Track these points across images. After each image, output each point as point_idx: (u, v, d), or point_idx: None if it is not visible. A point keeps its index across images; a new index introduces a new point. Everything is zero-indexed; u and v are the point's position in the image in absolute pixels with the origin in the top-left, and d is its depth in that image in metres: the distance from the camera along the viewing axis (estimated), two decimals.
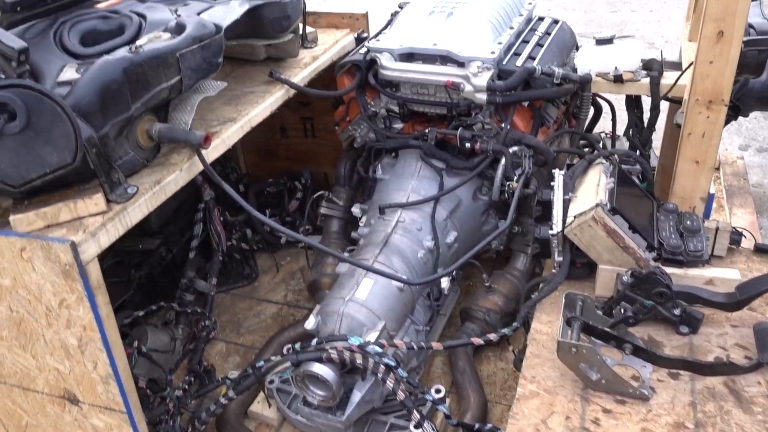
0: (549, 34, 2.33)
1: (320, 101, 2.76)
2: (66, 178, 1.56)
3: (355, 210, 2.41)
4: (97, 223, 1.52)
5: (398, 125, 2.36)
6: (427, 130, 2.19)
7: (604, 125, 2.74)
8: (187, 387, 2.15)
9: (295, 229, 2.93)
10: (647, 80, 2.09)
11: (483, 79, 2.04)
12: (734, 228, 1.94)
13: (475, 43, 2.13)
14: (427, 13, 2.24)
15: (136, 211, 1.61)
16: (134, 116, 1.63)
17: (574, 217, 1.82)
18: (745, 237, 1.95)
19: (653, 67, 2.09)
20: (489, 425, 1.89)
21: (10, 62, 1.52)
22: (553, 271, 1.95)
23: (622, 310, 1.67)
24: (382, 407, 1.96)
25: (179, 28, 1.74)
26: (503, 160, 2.10)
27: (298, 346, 1.83)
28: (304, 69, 2.35)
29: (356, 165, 2.60)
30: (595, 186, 1.90)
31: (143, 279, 2.50)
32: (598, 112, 2.62)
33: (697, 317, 1.72)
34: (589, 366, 1.58)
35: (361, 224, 2.31)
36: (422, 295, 2.13)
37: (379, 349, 1.77)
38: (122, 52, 1.59)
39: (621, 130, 2.55)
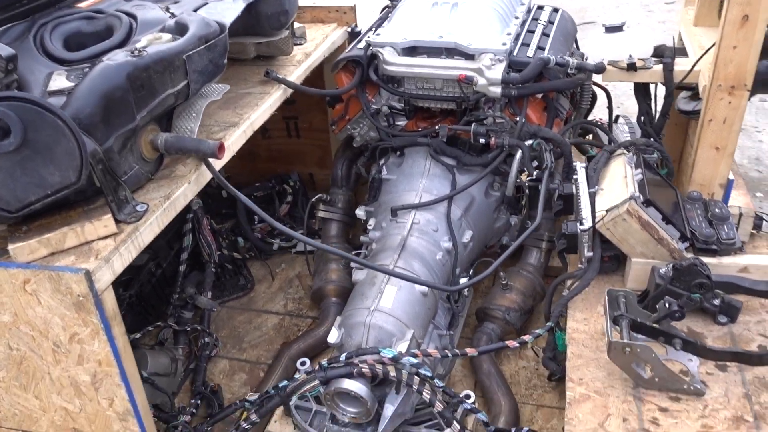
0: (552, 23, 2.27)
1: (305, 99, 2.62)
2: (67, 198, 1.39)
3: (360, 212, 2.30)
4: (110, 247, 1.37)
5: (401, 122, 2.25)
6: (437, 127, 2.10)
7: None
8: (195, 411, 2.00)
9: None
10: (659, 67, 2.05)
11: (497, 72, 1.95)
12: (756, 213, 1.93)
13: (483, 34, 2.05)
14: (430, 5, 2.14)
15: (147, 231, 1.46)
16: (139, 127, 1.48)
17: (606, 211, 1.76)
18: (767, 221, 1.93)
19: (665, 54, 2.05)
20: (525, 429, 1.82)
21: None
22: (580, 266, 1.89)
23: (667, 305, 1.62)
24: (412, 417, 1.86)
25: (180, 28, 1.59)
26: (518, 155, 2.02)
27: (325, 362, 1.71)
28: (298, 67, 2.22)
29: (353, 165, 2.49)
30: (622, 178, 1.84)
31: (133, 298, 2.32)
32: (593, 99, 2.58)
33: (737, 306, 1.69)
34: (642, 364, 1.52)
35: (369, 227, 2.20)
36: (442, 298, 2.04)
37: (414, 360, 1.67)
38: (123, 56, 1.43)
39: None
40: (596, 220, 1.78)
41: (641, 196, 1.74)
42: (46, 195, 1.34)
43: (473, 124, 2.04)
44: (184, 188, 1.59)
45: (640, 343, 1.50)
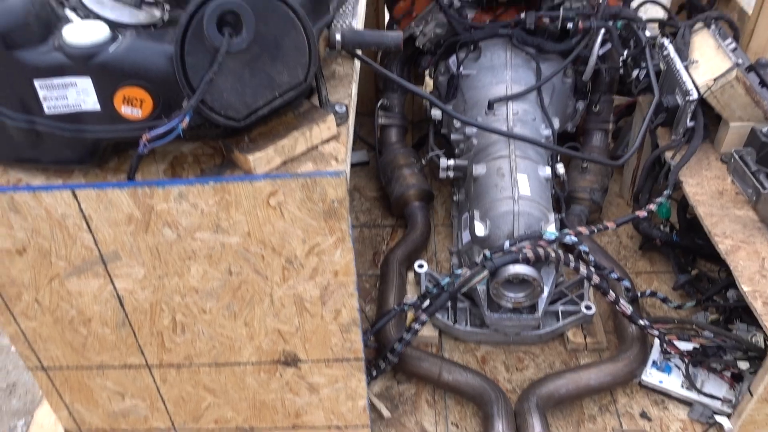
0: None
1: None
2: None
3: (436, 113, 2.28)
4: (341, 149, 1.28)
5: (471, 15, 2.23)
6: (522, 15, 2.10)
7: None
8: None
9: None
10: None
11: None
12: None
13: None
14: None
15: (351, 132, 1.38)
16: (329, 21, 1.36)
17: (714, 80, 1.90)
18: None
19: None
20: (648, 291, 1.99)
21: None
22: (674, 137, 2.04)
23: None
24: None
25: None
26: (599, 38, 2.10)
27: (488, 253, 1.74)
28: None
29: (405, 68, 2.44)
30: (715, 49, 1.98)
31: None
32: None
33: None
34: None
35: (456, 125, 2.20)
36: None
37: (574, 238, 1.76)
38: None
39: None
40: (703, 89, 1.92)
41: (744, 63, 1.90)
42: (274, 97, 1.21)
43: (562, 9, 2.07)
44: (353, 87, 1.50)
45: None
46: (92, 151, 1.20)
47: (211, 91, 1.15)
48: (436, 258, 2.28)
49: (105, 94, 1.11)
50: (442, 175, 2.19)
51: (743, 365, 1.69)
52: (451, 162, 2.15)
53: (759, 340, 1.69)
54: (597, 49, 2.11)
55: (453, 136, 2.21)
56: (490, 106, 2.08)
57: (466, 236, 2.04)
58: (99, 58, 1.08)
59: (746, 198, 1.85)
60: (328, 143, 1.30)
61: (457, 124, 2.20)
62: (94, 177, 1.24)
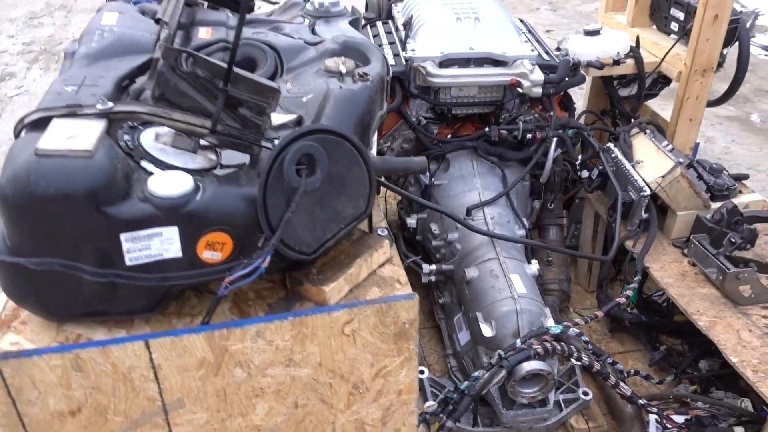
0: (531, 32, 2.63)
1: None
2: None
3: (412, 221, 2.40)
4: (398, 270, 1.35)
5: (435, 130, 2.41)
6: (487, 129, 2.31)
7: None
8: None
9: None
10: (632, 61, 2.54)
11: (539, 75, 2.24)
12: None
13: (509, 43, 2.32)
14: (455, 20, 2.33)
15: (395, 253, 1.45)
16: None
17: (662, 177, 2.17)
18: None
19: (633, 51, 2.55)
20: (632, 371, 2.15)
21: (263, 112, 1.23)
22: (629, 228, 2.29)
23: (732, 240, 2.09)
24: None
25: (356, 53, 1.57)
26: (553, 145, 2.34)
27: (501, 353, 1.82)
28: None
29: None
30: (656, 150, 2.28)
31: None
32: None
33: (756, 234, 2.23)
34: (746, 286, 1.96)
35: (435, 231, 2.32)
36: None
37: (577, 330, 1.89)
38: (350, 81, 1.41)
39: None
40: (653, 186, 2.18)
41: (684, 161, 2.20)
42: (339, 229, 1.27)
43: (520, 122, 2.30)
44: (381, 211, 1.58)
45: (748, 269, 1.94)
46: (162, 298, 1.18)
47: (287, 229, 1.18)
48: (427, 361, 2.32)
49: (190, 241, 1.12)
50: (424, 279, 2.27)
51: (739, 431, 1.85)
52: (434, 267, 2.25)
53: (748, 405, 1.88)
54: (551, 155, 2.35)
55: (434, 243, 2.32)
56: (468, 212, 2.23)
57: (462, 337, 2.11)
58: (188, 208, 1.09)
59: (705, 277, 2.10)
60: (383, 266, 1.36)
61: (436, 230, 2.32)
62: (158, 324, 1.21)
